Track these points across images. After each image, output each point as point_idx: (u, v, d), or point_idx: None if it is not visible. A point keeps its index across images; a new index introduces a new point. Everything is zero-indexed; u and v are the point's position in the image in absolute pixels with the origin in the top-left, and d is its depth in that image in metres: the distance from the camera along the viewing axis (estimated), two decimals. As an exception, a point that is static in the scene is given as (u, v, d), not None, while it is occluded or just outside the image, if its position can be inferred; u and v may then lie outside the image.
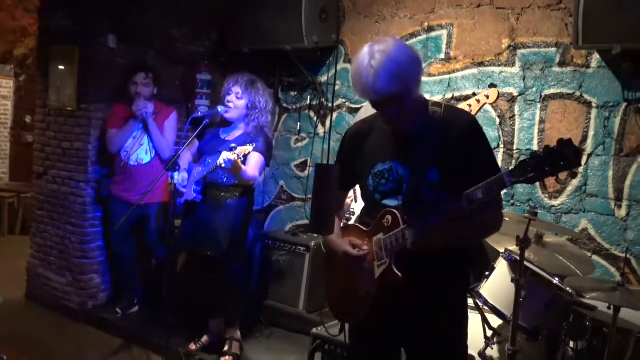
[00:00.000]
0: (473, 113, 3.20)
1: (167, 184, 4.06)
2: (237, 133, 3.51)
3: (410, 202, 1.89)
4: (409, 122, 1.92)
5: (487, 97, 3.21)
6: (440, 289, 1.95)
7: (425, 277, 1.90)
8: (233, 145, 3.15)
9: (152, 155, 4.06)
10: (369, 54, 1.81)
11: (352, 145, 2.09)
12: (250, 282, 4.20)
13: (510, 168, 1.68)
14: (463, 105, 3.23)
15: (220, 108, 3.44)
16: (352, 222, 2.39)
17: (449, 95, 3.79)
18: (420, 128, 1.91)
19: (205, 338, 3.67)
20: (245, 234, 3.63)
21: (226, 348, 3.56)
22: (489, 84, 3.60)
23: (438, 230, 1.79)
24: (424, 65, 3.78)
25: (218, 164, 3.19)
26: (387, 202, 1.96)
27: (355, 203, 3.39)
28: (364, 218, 2.11)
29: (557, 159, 1.56)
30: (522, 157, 3.54)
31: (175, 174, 3.21)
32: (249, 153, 3.18)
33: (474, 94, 3.53)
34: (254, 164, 3.39)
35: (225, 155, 3.13)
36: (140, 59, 4.23)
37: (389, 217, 1.91)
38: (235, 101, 3.43)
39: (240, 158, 3.14)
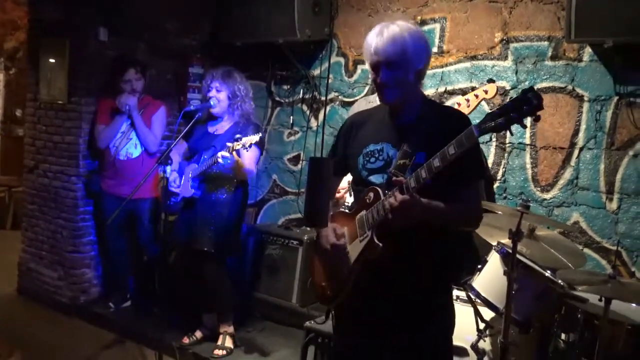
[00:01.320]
0: (471, 108, 3.19)
1: (159, 178, 4.05)
2: (225, 125, 3.53)
3: (395, 180, 1.91)
4: (405, 108, 1.99)
5: (486, 92, 3.21)
6: (422, 267, 1.95)
7: (406, 254, 1.91)
8: (238, 135, 3.20)
9: (142, 150, 4.04)
10: (385, 24, 1.92)
11: (349, 131, 2.14)
12: (244, 276, 4.20)
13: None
14: (461, 100, 3.22)
15: (212, 101, 3.45)
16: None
17: (441, 89, 3.79)
18: (415, 118, 1.98)
19: (198, 332, 3.68)
20: (240, 227, 3.65)
21: (220, 342, 3.57)
22: (485, 78, 3.57)
23: (417, 201, 1.79)
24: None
25: (215, 160, 3.23)
26: (372, 178, 2.00)
27: (350, 197, 3.39)
28: (352, 204, 2.15)
29: (521, 104, 1.62)
30: (515, 151, 3.55)
31: (168, 168, 3.20)
32: (255, 142, 3.21)
33: (473, 89, 3.51)
34: (249, 157, 3.40)
35: (223, 153, 3.18)
36: (127, 53, 4.19)
37: (371, 193, 1.94)
38: (217, 95, 3.47)
39: (247, 148, 3.20)
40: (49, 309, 4.34)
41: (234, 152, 3.20)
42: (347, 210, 2.11)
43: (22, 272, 4.64)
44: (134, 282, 4.39)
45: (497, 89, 3.29)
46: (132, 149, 4.03)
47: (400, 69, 1.91)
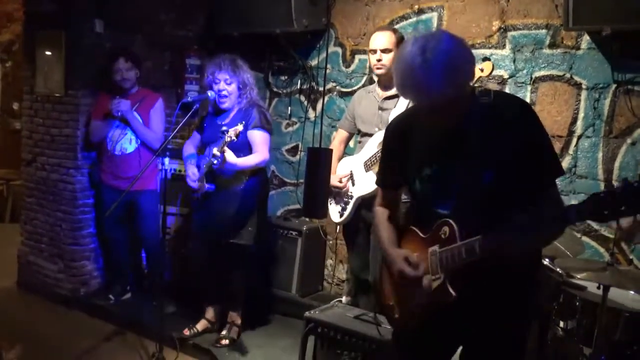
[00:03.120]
0: None
1: (157, 170, 4.05)
2: (233, 115, 3.48)
3: (462, 208, 1.73)
4: (455, 116, 1.68)
5: (482, 70, 3.18)
6: (501, 304, 1.78)
7: (483, 295, 1.75)
8: (224, 128, 3.14)
9: (137, 145, 4.01)
10: (419, 48, 1.56)
11: (396, 140, 1.92)
12: (258, 267, 4.13)
13: (578, 202, 1.48)
14: None
15: (209, 93, 3.41)
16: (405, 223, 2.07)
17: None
18: (468, 122, 1.69)
19: (199, 324, 3.69)
20: (260, 216, 3.57)
21: (224, 332, 3.59)
22: (482, 58, 3.59)
23: (509, 238, 1.59)
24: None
25: (210, 162, 3.19)
26: (438, 209, 1.78)
27: (353, 187, 3.38)
28: (417, 221, 1.92)
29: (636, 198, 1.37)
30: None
31: (166, 160, 3.18)
32: (242, 131, 3.15)
33: None
34: (260, 145, 3.36)
35: (214, 151, 3.14)
36: (120, 44, 4.16)
37: (446, 228, 1.74)
38: (227, 87, 3.38)
39: (233, 138, 3.11)
40: (49, 301, 4.35)
41: (225, 149, 3.13)
42: (420, 233, 1.88)
43: (22, 265, 4.65)
44: (133, 275, 4.39)
45: (493, 66, 3.25)
46: (127, 144, 4.01)
47: (459, 92, 1.62)
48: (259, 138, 3.37)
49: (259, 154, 3.36)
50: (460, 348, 1.99)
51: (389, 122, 2.07)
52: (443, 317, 1.83)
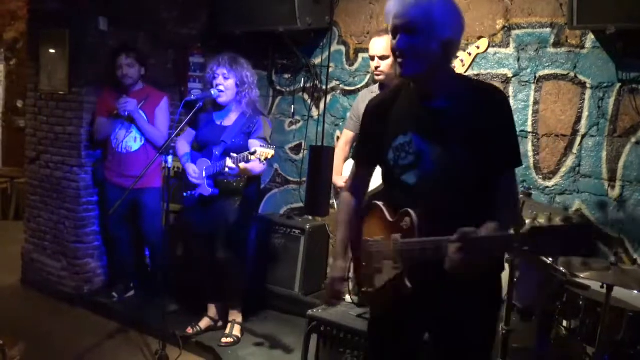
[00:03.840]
0: (466, 67, 3.13)
1: (161, 168, 4.05)
2: (232, 116, 3.49)
3: (426, 180, 1.77)
4: (432, 86, 1.77)
5: (478, 47, 3.17)
6: (467, 287, 1.74)
7: (448, 282, 1.70)
8: (253, 150, 3.11)
9: (142, 143, 4.02)
10: None
11: (375, 116, 1.94)
12: (257, 264, 4.19)
13: (521, 230, 1.50)
14: (456, 61, 3.16)
15: (213, 91, 3.41)
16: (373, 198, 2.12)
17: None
18: (445, 98, 1.76)
19: (202, 322, 3.70)
20: (253, 215, 3.69)
21: (227, 330, 3.60)
22: (487, 66, 3.58)
23: (473, 260, 1.58)
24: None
25: (224, 169, 3.25)
26: (405, 177, 1.81)
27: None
28: (386, 198, 1.95)
29: (577, 241, 1.44)
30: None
31: (169, 158, 3.19)
32: (238, 142, 3.27)
33: (464, 50, 3.33)
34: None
35: (229, 164, 3.19)
36: (124, 41, 4.17)
37: (407, 219, 1.76)
38: (225, 83, 3.40)
39: (263, 162, 3.16)
40: (53, 299, 4.36)
41: (242, 163, 3.18)
42: (387, 214, 1.89)
43: (26, 263, 4.66)
44: (137, 273, 4.40)
45: (488, 43, 3.24)
46: (132, 143, 4.02)
47: (421, 35, 1.67)
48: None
49: (261, 164, 3.35)
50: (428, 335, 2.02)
51: (368, 102, 2.08)
52: (409, 304, 1.85)
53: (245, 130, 3.41)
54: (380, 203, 1.94)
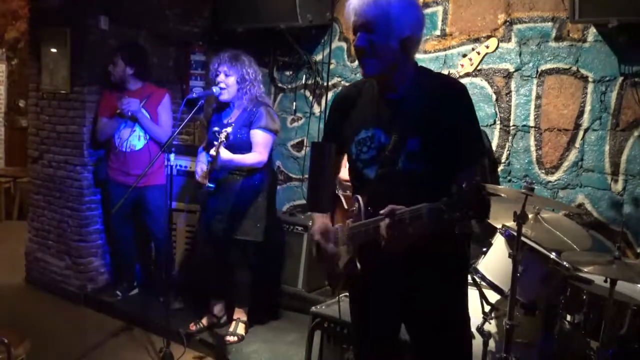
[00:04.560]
0: (474, 65, 3.09)
1: (164, 166, 4.05)
2: (237, 113, 3.50)
3: (387, 172, 1.80)
4: (393, 82, 1.82)
5: (487, 47, 3.13)
6: (427, 262, 1.83)
7: (400, 262, 1.80)
8: (216, 129, 3.21)
9: (146, 141, 4.02)
10: None
11: (340, 109, 2.00)
12: (266, 263, 4.16)
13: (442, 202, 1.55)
14: (463, 60, 3.14)
15: (214, 89, 3.42)
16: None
17: (445, 72, 3.76)
18: (405, 92, 1.81)
19: (205, 319, 3.71)
20: (265, 212, 3.56)
21: (232, 328, 3.61)
22: (489, 60, 3.55)
23: (408, 235, 1.62)
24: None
25: (208, 159, 3.29)
26: (366, 171, 1.87)
27: None
28: (352, 190, 2.04)
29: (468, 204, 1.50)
30: (519, 133, 3.53)
31: (172, 156, 3.20)
32: (238, 136, 3.24)
33: (473, 48, 3.36)
34: (259, 145, 3.39)
35: (211, 150, 3.21)
36: (124, 40, 4.16)
37: (356, 204, 1.85)
38: (225, 80, 3.41)
39: (223, 140, 3.17)
40: (57, 297, 4.38)
41: (220, 148, 3.18)
42: (344, 203, 2.02)
43: (30, 262, 4.68)
44: (140, 270, 4.41)
45: (498, 42, 3.22)
46: (135, 141, 4.02)
47: (380, 34, 1.71)
48: (260, 139, 3.39)
49: (257, 155, 3.38)
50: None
51: (336, 93, 2.16)
52: (371, 287, 1.94)
53: (247, 123, 3.41)
54: (340, 194, 2.06)
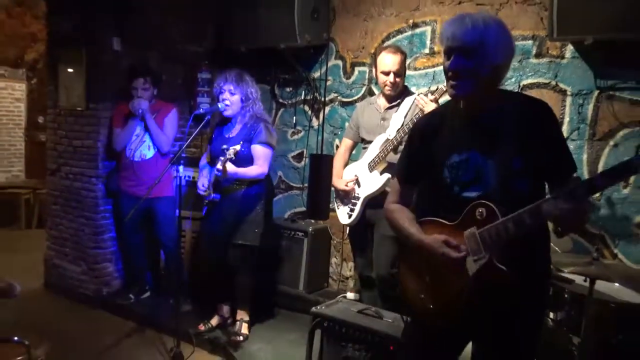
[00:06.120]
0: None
1: (173, 178, 4.07)
2: (238, 127, 3.52)
3: (494, 192, 1.72)
4: (481, 105, 1.76)
5: None
6: (533, 280, 1.77)
7: (523, 269, 1.70)
8: (224, 146, 3.23)
9: (155, 151, 4.05)
10: (468, 13, 1.71)
11: (423, 137, 1.90)
12: (264, 266, 4.12)
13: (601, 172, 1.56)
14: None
15: (220, 105, 3.45)
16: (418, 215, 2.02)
17: (434, 88, 3.79)
18: (494, 115, 1.74)
19: (213, 320, 3.71)
20: (263, 219, 3.58)
21: (236, 328, 3.61)
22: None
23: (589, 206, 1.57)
24: (409, 61, 3.78)
25: (215, 173, 3.29)
26: (467, 193, 1.76)
27: (359, 188, 3.39)
28: (439, 211, 1.87)
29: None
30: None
31: (180, 168, 3.22)
32: (240, 150, 3.24)
33: None
34: (260, 159, 3.42)
35: (217, 166, 3.23)
36: (140, 62, 4.19)
37: (483, 210, 1.70)
38: (230, 97, 3.44)
39: (232, 157, 3.20)
40: (74, 301, 4.38)
41: (227, 163, 3.23)
42: (444, 221, 1.83)
43: (48, 268, 4.67)
44: (151, 275, 4.42)
45: None
46: (146, 151, 4.04)
47: (475, 59, 1.66)
48: (260, 152, 3.43)
49: (258, 168, 3.43)
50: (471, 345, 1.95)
51: (416, 122, 2.05)
52: (464, 313, 1.78)
53: (247, 139, 3.43)
54: (434, 218, 1.87)
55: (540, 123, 1.72)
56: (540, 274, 1.86)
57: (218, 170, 3.25)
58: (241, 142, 3.31)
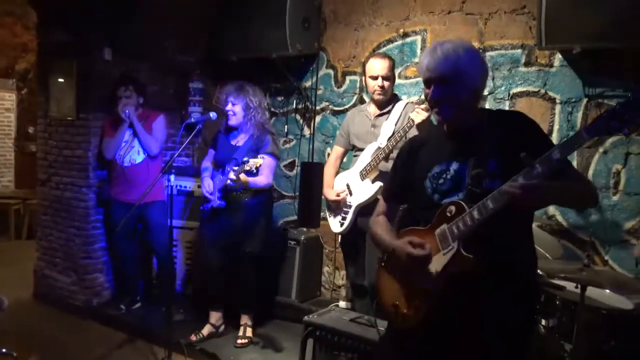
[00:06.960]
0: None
1: (164, 184, 4.05)
2: (243, 137, 3.59)
3: (473, 194, 1.75)
4: (462, 123, 1.84)
5: None
6: (512, 277, 1.76)
7: (496, 260, 1.71)
8: (245, 159, 3.29)
9: (145, 155, 4.04)
10: (440, 42, 1.81)
11: (407, 157, 2.00)
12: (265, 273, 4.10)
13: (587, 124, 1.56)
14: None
15: (211, 114, 3.48)
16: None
17: (423, 97, 3.81)
18: (473, 130, 1.83)
19: (205, 329, 3.68)
20: (266, 226, 3.66)
21: (241, 332, 3.65)
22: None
23: (544, 185, 1.59)
24: (399, 69, 3.80)
25: (227, 181, 3.36)
26: (447, 200, 1.81)
27: (351, 196, 3.39)
28: (420, 222, 1.90)
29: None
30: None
31: (172, 177, 3.22)
32: (261, 164, 3.30)
33: None
34: (267, 169, 3.49)
35: (231, 175, 3.31)
36: (128, 72, 4.19)
37: (452, 207, 1.76)
38: (233, 108, 3.54)
39: (253, 170, 3.28)
40: (64, 312, 4.32)
41: (242, 174, 3.29)
42: (419, 227, 1.88)
43: (38, 279, 4.62)
44: (142, 285, 4.38)
45: None
46: (135, 155, 4.03)
47: (453, 85, 1.77)
48: (267, 163, 3.48)
49: (265, 178, 3.51)
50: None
51: (402, 145, 2.12)
52: (440, 325, 1.77)
53: (255, 149, 3.51)
54: (410, 227, 1.92)
55: (518, 126, 1.80)
56: (521, 273, 1.82)
57: (231, 179, 3.31)
58: (263, 157, 3.37)
